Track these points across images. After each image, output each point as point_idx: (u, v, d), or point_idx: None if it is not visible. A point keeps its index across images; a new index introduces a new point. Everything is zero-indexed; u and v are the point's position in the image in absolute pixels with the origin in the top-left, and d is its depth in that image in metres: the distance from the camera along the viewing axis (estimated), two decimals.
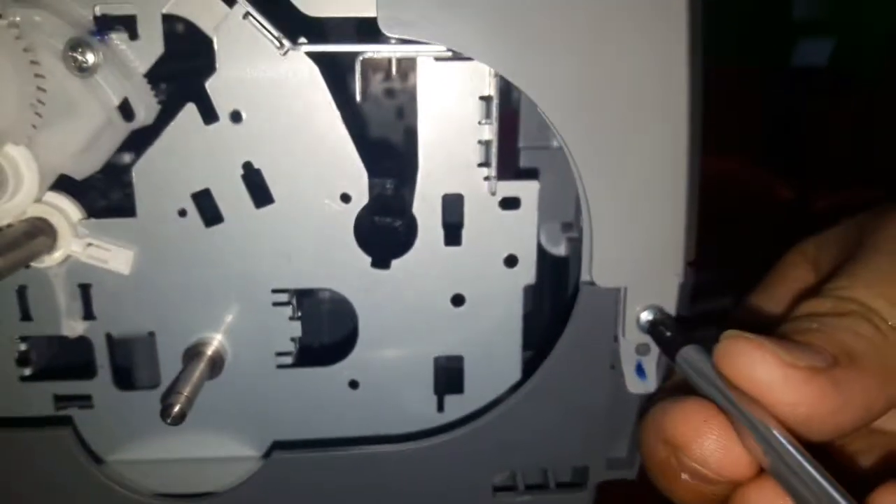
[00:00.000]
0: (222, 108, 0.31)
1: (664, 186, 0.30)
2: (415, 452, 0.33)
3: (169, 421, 0.29)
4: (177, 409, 0.29)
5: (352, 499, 0.33)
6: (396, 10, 0.29)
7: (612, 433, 0.34)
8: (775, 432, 0.23)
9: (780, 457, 0.23)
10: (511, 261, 0.33)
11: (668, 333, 0.28)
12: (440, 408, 0.35)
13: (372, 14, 0.29)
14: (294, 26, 0.30)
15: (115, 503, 0.32)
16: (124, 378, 0.34)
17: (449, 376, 0.35)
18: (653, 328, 0.30)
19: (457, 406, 0.35)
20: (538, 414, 0.32)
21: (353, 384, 0.34)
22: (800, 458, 0.22)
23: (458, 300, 0.34)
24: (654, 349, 0.31)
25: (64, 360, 0.35)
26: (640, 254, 0.30)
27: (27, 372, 0.34)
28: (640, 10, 0.29)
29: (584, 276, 0.32)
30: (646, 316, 0.31)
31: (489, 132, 0.31)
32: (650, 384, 0.32)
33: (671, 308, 0.31)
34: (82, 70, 0.29)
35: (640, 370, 0.31)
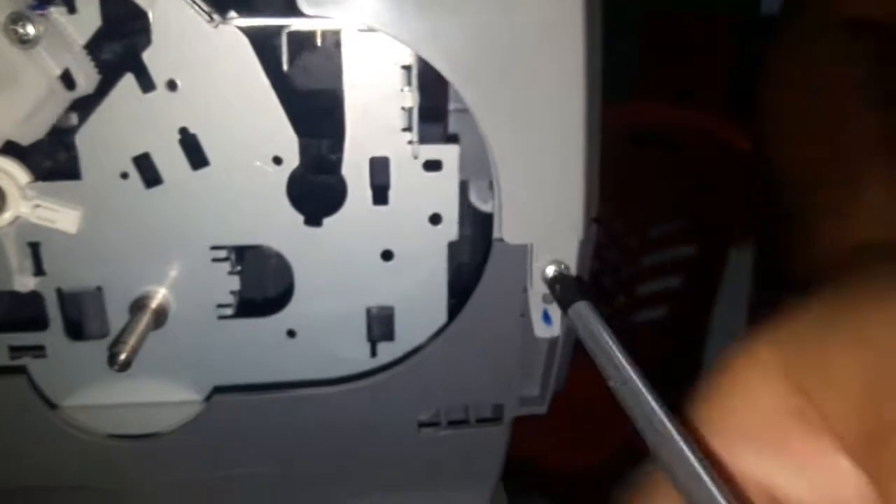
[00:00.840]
0: (159, 77, 0.33)
1: (562, 151, 0.32)
2: (347, 393, 0.36)
3: (116, 368, 0.32)
4: (122, 356, 0.32)
5: (288, 437, 0.36)
6: None
7: (525, 374, 0.37)
8: (654, 404, 0.25)
9: (656, 430, 0.25)
10: (435, 219, 0.36)
11: (564, 288, 0.31)
12: (373, 353, 0.38)
13: None
14: (224, 1, 0.32)
15: (70, 444, 0.35)
16: (75, 329, 0.37)
17: (380, 324, 0.38)
18: (551, 283, 0.33)
19: (388, 352, 0.38)
20: (458, 357, 0.35)
21: (291, 333, 0.37)
22: (676, 434, 0.24)
23: (387, 255, 0.36)
24: None
25: (17, 314, 0.37)
26: (543, 213, 0.33)
27: None
28: None
29: (496, 234, 0.34)
30: (549, 270, 0.33)
31: (410, 99, 0.34)
32: (555, 329, 0.35)
33: (572, 263, 0.34)
34: (24, 42, 0.31)
35: (546, 317, 0.35)
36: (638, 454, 0.27)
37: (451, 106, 0.40)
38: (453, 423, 0.37)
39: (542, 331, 0.35)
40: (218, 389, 0.36)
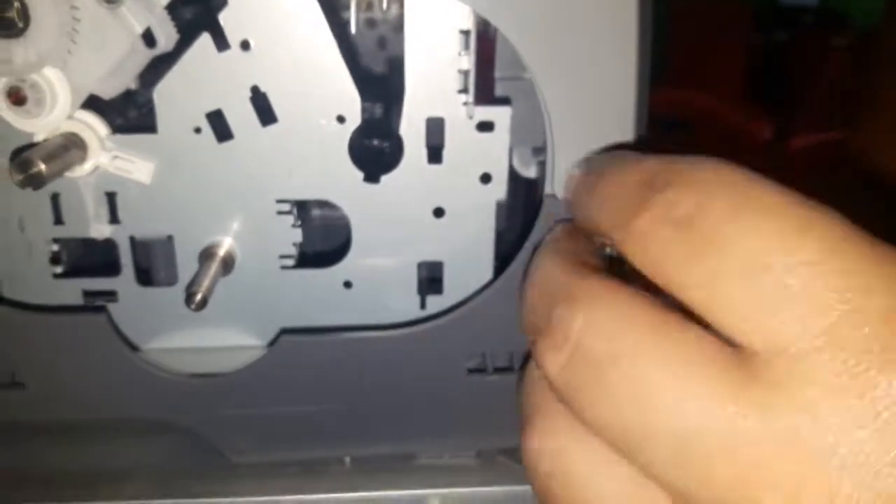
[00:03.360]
0: (233, 37, 0.35)
1: (614, 109, 0.35)
2: (400, 337, 0.38)
3: (193, 307, 0.34)
4: (199, 296, 0.34)
5: (345, 378, 0.38)
6: None
7: None
8: None
9: None
10: (486, 178, 0.38)
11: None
12: (423, 306, 0.40)
13: None
14: None
15: (150, 383, 0.37)
16: (145, 276, 0.39)
17: (430, 279, 0.40)
18: None
19: (437, 305, 0.40)
20: (506, 306, 0.37)
21: (348, 284, 0.39)
22: None
23: (438, 212, 0.38)
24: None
25: (91, 259, 0.40)
26: None
27: (59, 270, 0.39)
28: None
29: (548, 189, 0.36)
30: None
31: (467, 62, 0.36)
32: None
33: None
34: (109, 2, 0.33)
35: None
36: None
37: (499, 73, 0.42)
38: (499, 370, 0.39)
39: None
40: (282, 331, 0.39)
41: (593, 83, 0.34)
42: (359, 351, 0.38)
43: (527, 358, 0.33)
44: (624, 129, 0.35)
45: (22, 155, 0.33)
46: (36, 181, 0.32)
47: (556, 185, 0.36)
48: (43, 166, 0.32)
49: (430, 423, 0.40)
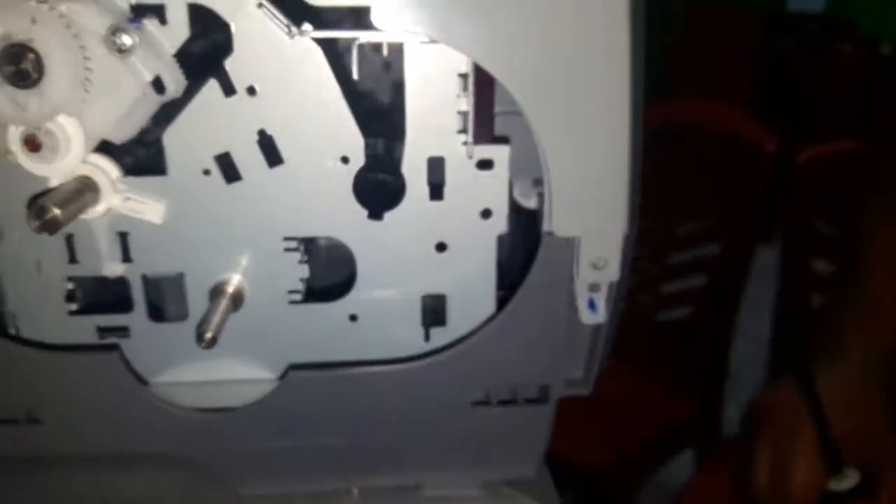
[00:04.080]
0: (239, 83, 0.36)
1: (609, 149, 0.35)
2: (407, 372, 0.39)
3: (203, 345, 0.35)
4: (209, 335, 0.35)
5: (353, 411, 0.39)
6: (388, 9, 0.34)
7: (570, 357, 0.40)
8: None
9: None
10: (486, 213, 0.39)
11: None
12: (427, 338, 0.41)
13: (363, 4, 0.34)
14: (298, 13, 0.35)
15: (159, 416, 0.38)
16: (157, 312, 0.40)
17: (434, 311, 0.41)
18: None
19: (441, 336, 0.41)
20: (509, 341, 0.38)
21: (353, 318, 0.40)
22: None
23: (441, 247, 0.39)
24: (605, 287, 0.37)
25: (103, 297, 0.41)
26: (590, 208, 0.36)
27: (74, 307, 0.40)
28: None
29: (546, 227, 0.37)
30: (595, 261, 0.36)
31: (466, 104, 0.37)
32: (600, 316, 0.38)
33: (617, 255, 0.37)
34: (121, 51, 0.35)
35: (591, 305, 0.38)
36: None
37: (497, 108, 0.43)
38: (503, 403, 0.40)
39: (588, 318, 0.38)
40: (293, 368, 0.40)
41: (587, 120, 0.35)
42: (366, 384, 0.39)
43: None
44: (619, 164, 0.36)
45: (38, 202, 0.34)
46: (52, 227, 0.34)
47: (555, 223, 0.37)
48: (59, 212, 0.34)
49: (436, 455, 0.41)
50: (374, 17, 0.34)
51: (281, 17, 0.35)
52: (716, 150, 1.30)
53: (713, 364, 1.31)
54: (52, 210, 0.34)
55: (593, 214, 0.36)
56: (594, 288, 0.37)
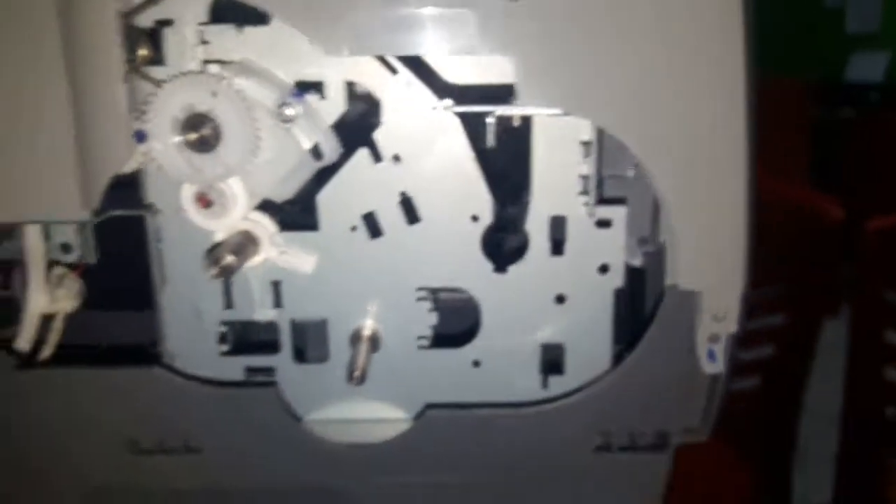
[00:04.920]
0: (386, 151, 0.41)
1: (730, 212, 0.39)
2: (534, 415, 0.42)
3: (354, 382, 0.39)
4: (357, 373, 0.39)
5: (483, 451, 0.43)
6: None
7: (689, 406, 0.42)
8: None
9: None
10: (604, 268, 0.42)
11: None
12: (544, 385, 0.44)
13: (502, 82, 0.39)
14: (441, 90, 0.40)
15: (312, 450, 0.42)
16: (301, 353, 0.44)
17: (552, 360, 0.44)
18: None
19: (558, 385, 0.44)
20: (631, 389, 0.41)
21: (476, 363, 0.44)
22: None
23: (560, 299, 0.43)
24: (724, 338, 0.40)
25: (251, 339, 0.45)
26: (713, 262, 0.39)
27: (225, 348, 0.44)
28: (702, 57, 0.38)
29: (669, 281, 0.41)
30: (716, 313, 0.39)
31: (587, 168, 0.41)
32: (719, 366, 0.40)
33: (735, 311, 0.40)
34: (285, 121, 0.40)
35: (711, 355, 0.40)
36: None
37: (608, 172, 0.47)
38: (623, 449, 0.43)
39: (708, 367, 0.40)
40: (427, 406, 0.43)
41: (709, 179, 0.39)
42: (497, 426, 0.42)
43: None
44: (739, 217, 0.39)
45: (214, 251, 0.39)
46: (227, 272, 0.38)
47: (678, 277, 0.40)
48: (233, 259, 0.38)
49: (555, 497, 0.43)
50: (519, 96, 0.38)
51: (426, 92, 0.40)
52: (779, 222, 1.31)
53: (781, 436, 1.29)
54: (227, 258, 0.38)
55: (715, 268, 0.39)
56: (714, 339, 0.40)
